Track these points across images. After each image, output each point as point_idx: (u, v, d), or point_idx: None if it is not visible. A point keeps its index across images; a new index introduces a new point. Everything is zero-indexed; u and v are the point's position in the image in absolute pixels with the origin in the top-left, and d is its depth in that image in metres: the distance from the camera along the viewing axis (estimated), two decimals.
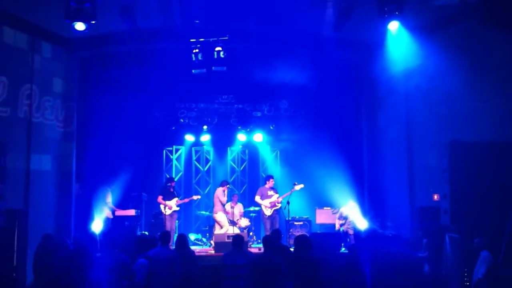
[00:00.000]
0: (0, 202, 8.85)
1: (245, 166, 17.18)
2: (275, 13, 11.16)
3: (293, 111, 15.16)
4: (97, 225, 12.00)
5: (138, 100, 13.68)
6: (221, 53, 12.04)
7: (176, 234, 10.83)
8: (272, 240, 8.60)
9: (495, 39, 9.60)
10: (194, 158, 17.05)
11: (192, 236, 14.54)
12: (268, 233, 12.22)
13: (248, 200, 15.73)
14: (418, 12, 10.36)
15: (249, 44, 12.59)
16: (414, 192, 11.54)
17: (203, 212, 15.71)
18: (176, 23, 11.81)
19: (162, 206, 13.37)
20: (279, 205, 13.52)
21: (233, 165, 17.12)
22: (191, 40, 12.14)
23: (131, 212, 13.55)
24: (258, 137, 15.80)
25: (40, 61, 11.73)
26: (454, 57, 10.02)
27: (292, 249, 9.03)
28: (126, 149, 13.39)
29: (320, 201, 14.34)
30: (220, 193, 13.72)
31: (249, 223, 14.29)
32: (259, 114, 15.43)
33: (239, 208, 14.31)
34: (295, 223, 14.24)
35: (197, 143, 16.49)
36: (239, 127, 15.71)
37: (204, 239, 14.59)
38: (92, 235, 10.66)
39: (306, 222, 14.37)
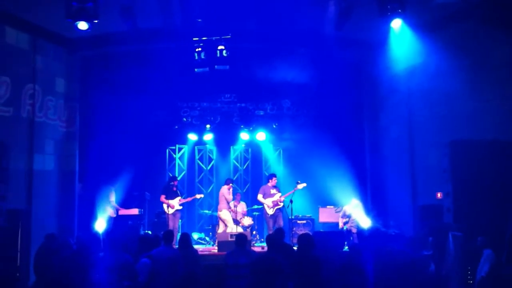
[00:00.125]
0: (2, 202, 8.85)
1: (248, 164, 17.19)
2: (277, 12, 11.14)
3: (295, 110, 15.16)
4: (100, 225, 12.02)
5: (141, 99, 13.68)
6: (224, 51, 12.05)
7: (179, 233, 10.87)
8: (275, 239, 8.60)
9: (495, 39, 9.60)
10: (197, 157, 17.05)
11: (195, 235, 14.55)
12: (271, 232, 12.22)
13: (251, 198, 15.73)
14: (420, 11, 10.37)
15: (251, 43, 12.58)
16: (417, 191, 11.53)
17: (206, 211, 15.73)
18: (177, 23, 11.80)
19: (165, 205, 13.38)
20: (282, 204, 13.50)
21: (236, 164, 17.13)
22: (194, 39, 12.15)
23: (134, 211, 13.55)
24: (261, 136, 15.81)
25: (42, 61, 11.76)
26: (455, 56, 10.02)
27: (295, 248, 9.03)
28: (129, 149, 13.39)
29: (323, 199, 14.33)
30: (226, 191, 13.73)
31: (252, 222, 14.29)
32: (261, 113, 15.43)
33: (242, 207, 14.32)
34: (298, 221, 14.25)
35: (200, 142, 16.51)
36: (242, 126, 15.72)
37: (207, 238, 14.60)
38: (95, 235, 10.67)
39: (309, 221, 14.38)
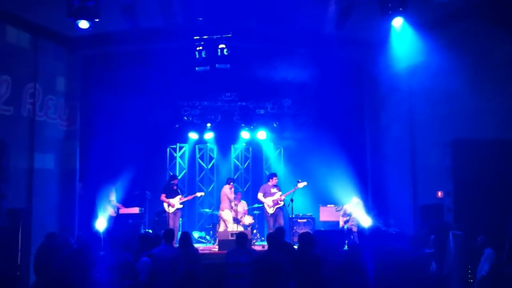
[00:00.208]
0: (3, 202, 8.84)
1: (248, 163, 17.19)
2: (277, 11, 11.15)
3: (296, 109, 15.16)
4: (100, 224, 12.02)
5: (141, 98, 13.68)
6: (225, 50, 12.06)
7: (180, 232, 10.87)
8: (276, 238, 8.60)
9: (496, 38, 9.60)
10: (197, 156, 17.06)
11: (195, 234, 14.55)
12: (271, 231, 12.21)
13: (251, 197, 15.73)
14: (421, 9, 10.36)
15: (252, 42, 12.58)
16: (417, 190, 11.53)
17: (207, 210, 15.73)
18: (178, 22, 11.80)
19: (165, 204, 13.38)
20: (282, 203, 13.50)
21: (237, 162, 17.13)
22: (195, 37, 12.16)
23: (135, 210, 13.57)
24: (262, 134, 15.81)
25: (43, 60, 11.76)
26: (456, 55, 10.01)
27: (295, 247, 9.03)
28: (130, 148, 13.40)
29: (324, 198, 14.33)
30: (228, 191, 13.72)
31: (253, 221, 14.29)
32: (262, 111, 15.43)
33: (242, 206, 14.32)
34: (299, 220, 14.24)
35: (200, 141, 16.51)
36: (243, 125, 15.71)
37: (207, 237, 14.60)
38: (95, 234, 10.68)
39: (309, 220, 14.37)
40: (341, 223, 13.14)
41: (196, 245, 10.91)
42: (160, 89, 13.81)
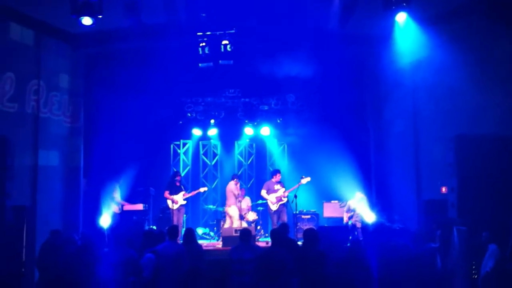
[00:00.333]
0: (7, 199, 8.86)
1: (252, 159, 17.20)
2: (281, 6, 11.12)
3: (300, 104, 15.13)
4: (105, 220, 12.04)
5: (145, 95, 13.68)
6: (228, 46, 12.03)
7: (184, 228, 10.89)
8: (280, 234, 8.60)
9: (499, 34, 9.57)
10: (201, 152, 17.08)
11: (199, 230, 14.58)
12: (275, 227, 12.22)
13: (255, 194, 15.72)
14: (424, 4, 10.33)
15: (255, 38, 12.52)
16: (421, 186, 11.52)
17: (211, 206, 15.74)
18: (181, 18, 11.75)
19: (169, 201, 13.41)
20: (285, 199, 13.50)
21: (241, 159, 17.13)
22: (198, 33, 12.12)
23: (139, 206, 13.58)
24: (265, 130, 15.79)
25: (46, 57, 11.75)
26: (460, 51, 9.98)
27: (300, 243, 9.04)
28: (134, 144, 13.40)
29: (328, 194, 14.33)
30: (233, 187, 13.74)
31: (257, 217, 14.30)
32: (266, 107, 15.42)
33: (246, 202, 14.33)
34: (303, 216, 14.23)
35: (204, 137, 16.52)
36: (246, 121, 15.71)
37: (211, 233, 14.63)
38: (100, 230, 10.71)
39: (313, 216, 14.37)
40: (345, 219, 13.14)
41: (200, 242, 10.94)
42: (164, 86, 13.79)
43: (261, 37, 12.44)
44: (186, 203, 13.87)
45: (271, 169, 15.47)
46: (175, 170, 15.43)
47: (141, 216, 13.52)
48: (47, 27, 11.64)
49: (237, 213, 13.55)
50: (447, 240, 9.18)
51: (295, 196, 13.07)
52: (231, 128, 16.07)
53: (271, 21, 11.78)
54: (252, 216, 14.03)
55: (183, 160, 16.65)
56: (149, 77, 13.21)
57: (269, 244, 9.43)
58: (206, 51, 12.20)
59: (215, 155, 17.18)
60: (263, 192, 13.73)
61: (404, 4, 9.65)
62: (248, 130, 15.98)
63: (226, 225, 13.49)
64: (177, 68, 12.84)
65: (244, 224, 13.26)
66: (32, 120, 11.36)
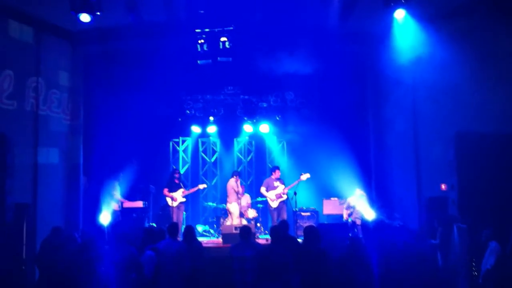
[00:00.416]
0: (8, 197, 8.87)
1: (251, 157, 17.19)
2: (280, 3, 11.11)
3: (299, 102, 15.10)
4: (105, 218, 12.04)
5: (144, 92, 13.64)
6: (227, 43, 12.00)
7: (184, 226, 10.88)
8: (280, 231, 8.60)
9: (500, 31, 9.57)
10: (201, 149, 17.07)
11: (199, 228, 14.58)
12: (275, 224, 12.21)
13: (255, 191, 15.71)
14: (423, 1, 10.30)
15: (254, 34, 12.49)
16: (421, 183, 11.52)
17: (210, 204, 15.74)
18: (180, 15, 11.76)
19: (168, 199, 13.41)
20: (285, 196, 13.51)
21: (240, 156, 17.13)
22: (196, 30, 12.09)
23: (139, 204, 13.59)
24: (265, 128, 15.77)
25: (45, 55, 11.74)
26: (460, 48, 9.99)
27: (300, 240, 9.03)
28: (133, 142, 13.42)
29: (327, 191, 14.32)
30: (234, 184, 13.73)
31: (257, 214, 14.31)
32: (265, 105, 15.39)
33: (246, 199, 14.32)
34: (302, 214, 14.23)
35: (203, 135, 16.51)
36: (246, 118, 15.68)
37: (211, 231, 14.63)
38: (100, 228, 10.70)
39: (313, 213, 14.37)
40: (345, 216, 13.15)
41: (200, 239, 10.94)
42: (163, 83, 13.78)
43: (260, 34, 12.42)
44: (186, 200, 13.86)
45: (271, 166, 15.47)
46: (174, 167, 15.41)
47: (141, 214, 13.53)
48: (47, 25, 11.63)
49: (238, 210, 13.55)
50: (448, 238, 9.20)
51: (295, 193, 13.07)
52: (230, 125, 16.06)
53: (270, 18, 11.77)
54: (251, 213, 14.04)
55: (183, 157, 16.64)
56: (148, 75, 13.19)
57: (269, 241, 9.43)
58: (205, 48, 12.18)
59: (214, 152, 17.18)
60: (263, 190, 13.73)
61: (403, 1, 9.64)
62: (248, 128, 15.97)
63: (228, 222, 13.49)
64: (176, 66, 12.82)
65: (244, 222, 13.26)
66: (31, 118, 11.35)
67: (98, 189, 12.50)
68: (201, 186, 14.42)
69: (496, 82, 9.59)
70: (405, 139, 12.21)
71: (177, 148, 16.59)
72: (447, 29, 10.45)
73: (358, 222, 12.59)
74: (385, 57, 12.25)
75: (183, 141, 16.67)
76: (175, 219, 12.92)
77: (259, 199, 14.69)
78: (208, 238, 14.05)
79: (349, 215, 12.97)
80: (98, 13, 9.57)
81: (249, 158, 17.17)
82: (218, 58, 12.21)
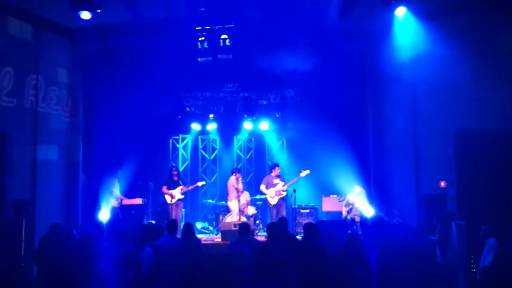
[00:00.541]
0: (7, 194, 8.85)
1: (251, 154, 17.20)
2: (280, 1, 11.11)
3: (299, 99, 15.11)
4: (104, 215, 12.04)
5: (144, 90, 13.64)
6: (227, 41, 11.99)
7: (182, 223, 10.89)
8: (276, 228, 8.59)
9: (500, 28, 9.58)
10: (200, 146, 17.09)
11: (198, 225, 14.59)
12: (274, 221, 12.21)
13: (254, 188, 15.72)
14: None
15: (254, 32, 12.50)
16: (420, 180, 11.51)
17: (210, 201, 15.76)
18: (180, 12, 11.76)
19: (167, 196, 13.42)
20: (284, 193, 13.51)
21: (240, 153, 17.13)
22: (197, 28, 12.08)
23: (138, 201, 13.60)
24: (264, 125, 15.78)
25: (45, 52, 11.74)
26: (460, 45, 10.00)
27: (299, 237, 9.04)
28: (133, 139, 13.41)
29: (326, 189, 14.34)
30: (234, 181, 13.72)
31: (256, 211, 14.31)
32: (265, 102, 15.40)
33: (245, 197, 14.31)
34: (302, 211, 14.25)
35: (203, 132, 16.54)
36: (245, 116, 15.69)
37: (210, 228, 14.64)
38: (99, 225, 10.70)
39: (312, 210, 14.38)
40: (344, 213, 13.14)
41: (199, 236, 10.94)
42: (162, 81, 13.77)
43: (260, 31, 12.42)
44: (184, 197, 13.85)
45: (270, 164, 15.48)
46: (173, 164, 15.39)
47: (140, 211, 13.54)
48: (46, 22, 11.62)
49: (237, 207, 13.55)
50: (447, 235, 9.20)
51: (294, 191, 13.08)
52: (230, 122, 16.08)
53: (270, 15, 11.77)
54: (251, 210, 14.04)
55: (182, 154, 16.66)
56: (148, 72, 13.17)
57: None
58: (205, 46, 12.16)
59: (214, 149, 17.19)
60: (262, 187, 13.74)
61: None
62: (247, 125, 15.98)
63: (229, 219, 13.49)
64: (176, 63, 12.82)
65: (243, 219, 13.26)
66: (31, 115, 11.35)
67: (97, 186, 12.47)
68: (200, 184, 14.41)
69: (496, 80, 9.60)
70: (404, 136, 12.20)
71: (177, 145, 16.60)
72: (447, 26, 10.44)
73: (357, 219, 12.58)
74: (385, 55, 12.25)
75: (183, 139, 16.68)
76: (173, 216, 12.91)
77: (258, 196, 14.69)
78: (207, 235, 14.06)
79: (348, 212, 12.96)
80: (98, 11, 9.56)
81: (248, 155, 17.18)
82: (219, 55, 12.20)
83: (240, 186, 13.65)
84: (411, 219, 11.06)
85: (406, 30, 10.90)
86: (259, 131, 16.27)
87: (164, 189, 13.47)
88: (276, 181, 13.64)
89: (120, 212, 13.01)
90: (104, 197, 12.40)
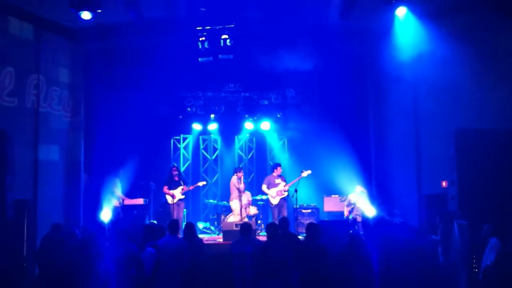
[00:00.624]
0: (8, 193, 8.86)
1: (252, 154, 17.19)
2: (281, 0, 11.10)
3: (300, 99, 15.10)
4: (105, 215, 12.05)
5: (145, 90, 13.64)
6: (228, 41, 12.00)
7: (184, 223, 10.90)
8: (276, 228, 8.60)
9: (501, 28, 9.58)
10: (201, 146, 17.08)
11: (200, 225, 14.59)
12: (275, 221, 12.22)
13: (256, 188, 15.71)
14: None
15: (255, 32, 12.51)
16: (422, 180, 11.50)
17: (211, 201, 15.75)
18: (181, 13, 11.77)
19: (168, 197, 13.41)
20: (286, 193, 13.51)
21: (241, 153, 17.13)
22: (197, 28, 12.09)
23: (140, 201, 13.58)
24: (266, 125, 15.76)
25: (46, 52, 11.74)
26: (460, 45, 10.01)
27: (300, 237, 9.04)
28: (134, 139, 13.40)
29: (328, 189, 14.33)
30: (236, 181, 13.71)
31: (257, 211, 14.30)
32: (266, 102, 15.39)
33: (247, 196, 14.30)
34: (303, 211, 14.24)
35: (204, 132, 16.52)
36: (246, 116, 15.68)
37: (212, 227, 14.64)
38: (100, 225, 10.70)
39: (314, 210, 14.37)
40: (345, 213, 13.14)
41: (200, 236, 10.93)
42: (163, 81, 13.77)
43: (261, 31, 12.42)
44: (186, 197, 13.84)
45: (272, 164, 15.47)
46: (174, 164, 15.39)
47: (141, 211, 13.52)
48: (47, 22, 11.62)
49: (238, 207, 13.54)
50: (448, 234, 9.20)
51: (296, 191, 13.07)
52: (231, 122, 16.06)
53: (271, 15, 11.77)
54: (252, 210, 14.03)
55: (183, 154, 16.65)
56: (149, 72, 13.17)
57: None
58: (206, 46, 12.17)
59: (215, 149, 17.18)
60: (264, 187, 13.74)
61: None
62: (248, 125, 15.97)
63: (231, 219, 13.48)
64: (177, 63, 12.82)
65: (245, 219, 13.26)
66: (32, 115, 11.35)
67: (98, 186, 12.48)
68: (201, 184, 14.40)
69: (496, 80, 9.61)
70: (405, 136, 12.20)
71: (178, 145, 16.60)
72: (447, 26, 10.44)
73: (359, 219, 12.58)
74: (386, 54, 12.25)
75: (184, 139, 16.67)
76: (175, 216, 12.91)
77: (259, 196, 14.68)
78: (209, 235, 14.06)
79: (350, 212, 12.96)
80: (99, 11, 9.57)
81: (250, 155, 17.18)
82: (219, 55, 12.21)
83: (242, 186, 13.64)
84: (412, 219, 11.06)
85: (407, 30, 10.90)
86: (260, 131, 16.26)
87: (165, 189, 13.47)
88: (277, 181, 13.65)
89: (122, 212, 13.01)
90: (105, 197, 12.41)
